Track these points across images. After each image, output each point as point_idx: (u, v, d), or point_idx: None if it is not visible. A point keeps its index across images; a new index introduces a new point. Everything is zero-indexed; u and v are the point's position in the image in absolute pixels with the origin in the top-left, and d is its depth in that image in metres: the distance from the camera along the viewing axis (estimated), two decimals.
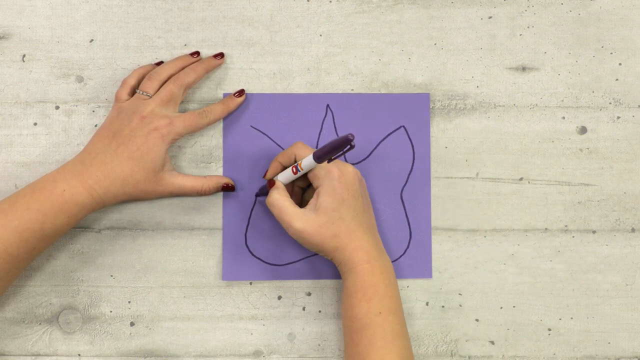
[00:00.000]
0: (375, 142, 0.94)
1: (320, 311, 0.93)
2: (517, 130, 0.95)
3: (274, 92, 0.94)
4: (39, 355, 0.92)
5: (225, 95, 0.94)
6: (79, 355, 0.93)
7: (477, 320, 0.94)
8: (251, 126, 0.94)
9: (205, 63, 0.93)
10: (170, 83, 0.90)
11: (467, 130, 0.94)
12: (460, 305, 0.94)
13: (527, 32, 0.95)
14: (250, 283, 0.93)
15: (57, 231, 0.85)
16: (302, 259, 0.93)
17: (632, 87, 0.95)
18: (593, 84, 0.95)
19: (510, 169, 0.94)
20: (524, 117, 0.95)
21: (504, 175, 0.94)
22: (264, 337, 0.93)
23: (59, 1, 0.95)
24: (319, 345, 0.93)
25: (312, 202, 0.86)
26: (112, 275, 0.93)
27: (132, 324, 0.93)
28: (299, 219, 0.85)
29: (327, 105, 0.94)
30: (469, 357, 0.93)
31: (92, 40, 0.94)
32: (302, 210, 0.85)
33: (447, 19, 0.95)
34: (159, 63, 0.94)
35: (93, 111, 0.94)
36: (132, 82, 0.91)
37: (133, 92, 0.91)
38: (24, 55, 0.94)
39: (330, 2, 0.95)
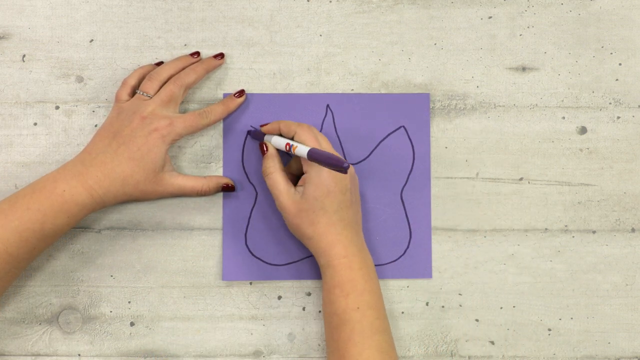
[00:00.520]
0: (375, 142, 0.94)
1: (320, 311, 0.93)
2: (517, 130, 0.95)
3: (274, 92, 0.94)
4: (39, 355, 0.92)
5: (225, 95, 0.94)
6: (79, 355, 0.93)
7: (477, 320, 0.94)
8: (251, 126, 0.94)
9: (205, 63, 0.93)
10: (171, 84, 0.90)
11: (467, 130, 0.94)
12: (460, 305, 0.94)
13: (527, 32, 0.95)
14: (250, 283, 0.93)
15: (57, 231, 0.85)
16: (302, 259, 0.93)
17: (632, 87, 0.95)
18: (593, 84, 0.95)
19: (510, 169, 0.94)
20: (524, 117, 0.95)
21: (504, 175, 0.94)
22: (264, 337, 0.93)
23: (59, 1, 0.95)
24: (319, 345, 0.93)
25: (302, 183, 0.87)
26: (112, 275, 0.93)
27: (132, 324, 0.93)
28: (285, 196, 0.86)
29: (327, 105, 0.94)
30: (469, 357, 0.93)
31: (92, 40, 0.94)
32: (291, 188, 0.87)
33: (447, 19, 0.95)
34: (159, 63, 0.94)
35: (93, 111, 0.94)
36: (133, 82, 0.91)
37: (133, 93, 0.91)
38: (24, 55, 0.94)
39: (330, 2, 0.95)
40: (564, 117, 0.95)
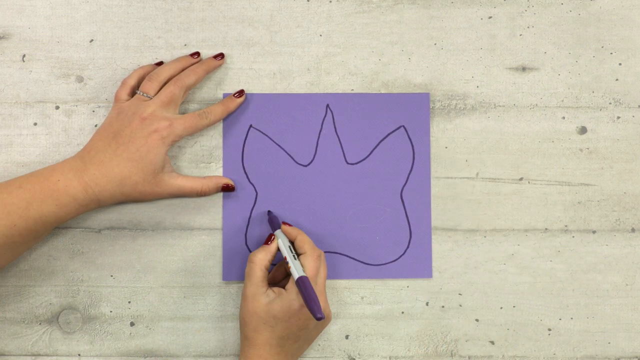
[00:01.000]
0: (375, 142, 0.94)
1: None
2: (517, 130, 0.95)
3: (274, 92, 0.94)
4: (39, 355, 0.92)
5: (225, 95, 0.94)
6: (79, 355, 0.93)
7: (477, 320, 0.94)
8: (251, 126, 0.94)
9: (205, 64, 0.93)
10: (171, 85, 0.90)
11: (467, 130, 0.94)
12: (460, 305, 0.94)
13: (527, 32, 0.95)
14: None
15: (42, 217, 0.84)
16: None
17: (632, 87, 0.95)
18: (593, 84, 0.95)
19: (510, 169, 0.94)
20: (524, 117, 0.95)
21: (504, 175, 0.94)
22: None
23: (59, 1, 0.95)
24: (319, 345, 0.93)
25: (276, 291, 0.86)
26: (112, 275, 0.93)
27: (132, 324, 0.93)
28: (252, 290, 0.85)
29: (327, 105, 0.94)
30: (469, 357, 0.93)
31: (92, 40, 0.94)
32: (264, 287, 0.85)
33: (447, 19, 0.95)
34: (159, 63, 0.94)
35: (93, 111, 0.94)
36: (132, 82, 0.91)
37: (133, 93, 0.91)
38: (24, 55, 0.94)
39: (330, 2, 0.95)
40: (564, 117, 0.95)
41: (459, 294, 0.94)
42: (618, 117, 0.95)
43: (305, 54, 0.95)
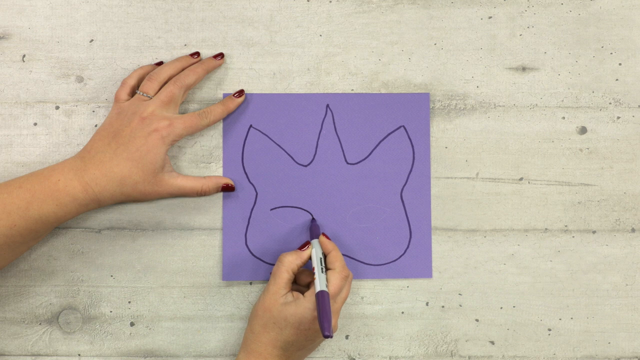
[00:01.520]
0: (375, 142, 0.94)
1: None
2: (517, 130, 0.95)
3: (274, 92, 0.94)
4: (39, 355, 0.92)
5: (225, 95, 0.94)
6: (79, 355, 0.93)
7: (477, 320, 0.94)
8: (251, 126, 0.94)
9: (205, 64, 0.93)
10: (171, 84, 0.90)
11: (467, 130, 0.94)
12: (460, 305, 0.94)
13: (527, 32, 0.95)
14: (250, 283, 0.93)
15: (42, 217, 0.84)
16: None
17: (632, 87, 0.95)
18: (593, 84, 0.95)
19: (510, 169, 0.94)
20: (524, 117, 0.95)
21: (504, 175, 0.94)
22: None
23: (59, 1, 0.95)
24: (319, 345, 0.93)
25: (296, 296, 0.86)
26: (112, 275, 0.93)
27: (132, 324, 0.93)
28: (274, 289, 0.85)
29: (327, 105, 0.94)
30: (469, 357, 0.93)
31: (92, 40, 0.94)
32: (286, 289, 0.85)
33: (447, 19, 0.95)
34: (159, 63, 0.94)
35: (93, 111, 0.94)
36: (132, 82, 0.91)
37: (133, 93, 0.91)
38: (24, 55, 0.94)
39: (330, 2, 0.95)
40: (564, 117, 0.95)
41: (459, 294, 0.94)
42: (618, 117, 0.95)
43: (305, 54, 0.95)
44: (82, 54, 0.94)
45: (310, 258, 0.88)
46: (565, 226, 0.94)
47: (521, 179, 0.94)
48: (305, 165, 0.94)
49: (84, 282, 0.93)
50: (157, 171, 0.87)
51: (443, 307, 0.94)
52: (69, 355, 0.92)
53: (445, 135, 0.94)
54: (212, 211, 0.93)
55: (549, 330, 0.94)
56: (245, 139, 0.94)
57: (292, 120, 0.94)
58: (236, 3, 0.95)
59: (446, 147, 0.94)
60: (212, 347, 0.93)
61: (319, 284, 0.84)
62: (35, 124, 0.94)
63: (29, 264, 0.93)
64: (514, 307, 0.94)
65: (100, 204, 0.87)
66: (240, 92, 0.93)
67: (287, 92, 0.94)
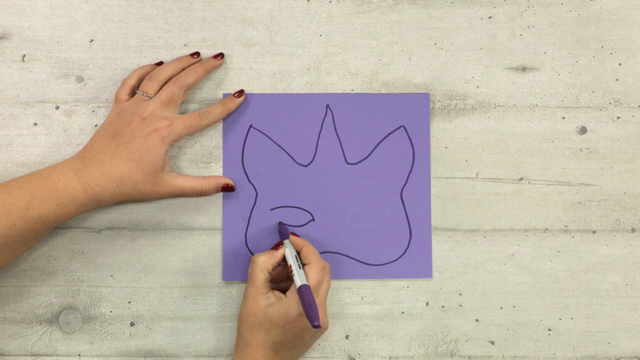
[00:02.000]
0: (375, 142, 0.94)
1: None
2: (517, 130, 0.95)
3: (274, 92, 0.94)
4: (39, 355, 0.92)
5: (225, 95, 0.94)
6: (79, 355, 0.93)
7: (477, 320, 0.94)
8: (251, 126, 0.94)
9: (205, 64, 0.93)
10: (171, 84, 0.90)
11: (467, 130, 0.94)
12: (460, 305, 0.94)
13: (527, 32, 0.95)
14: None
15: (42, 217, 0.84)
16: None
17: (632, 87, 0.95)
18: (593, 84, 0.95)
19: (510, 169, 0.94)
20: (524, 117, 0.95)
21: (504, 175, 0.94)
22: None
23: (59, 1, 0.95)
24: (319, 345, 0.93)
25: (277, 295, 0.86)
26: (112, 275, 0.93)
27: (132, 324, 0.93)
28: (252, 291, 0.86)
29: (327, 105, 0.94)
30: (469, 357, 0.93)
31: (92, 40, 0.94)
32: (265, 289, 0.86)
33: (447, 19, 0.95)
34: (159, 63, 0.94)
35: (93, 111, 0.94)
36: (132, 82, 0.91)
37: (133, 93, 0.91)
38: (24, 55, 0.94)
39: (330, 2, 0.95)
40: (564, 117, 0.95)
41: (459, 294, 0.94)
42: (618, 117, 0.95)
43: (305, 54, 0.95)
44: (82, 54, 0.94)
45: (284, 257, 0.88)
46: (565, 226, 0.94)
47: (521, 179, 0.94)
48: (305, 165, 0.94)
49: (84, 282, 0.93)
50: (157, 171, 0.87)
51: (443, 307, 0.94)
52: (69, 355, 0.92)
53: (445, 135, 0.94)
54: (212, 211, 0.93)
55: (549, 330, 0.94)
56: (245, 139, 0.94)
57: (292, 120, 0.94)
58: (236, 3, 0.95)
59: (446, 147, 0.94)
60: (212, 347, 0.93)
61: (299, 279, 0.84)
62: (35, 124, 0.94)
63: (29, 264, 0.93)
64: (514, 307, 0.94)
65: (100, 204, 0.87)
66: (240, 92, 0.93)
67: (287, 92, 0.94)
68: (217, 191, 0.92)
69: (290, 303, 0.84)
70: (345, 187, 0.94)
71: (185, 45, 0.95)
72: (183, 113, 0.92)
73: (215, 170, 0.94)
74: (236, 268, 0.93)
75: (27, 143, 0.94)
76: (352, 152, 0.94)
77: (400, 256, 0.94)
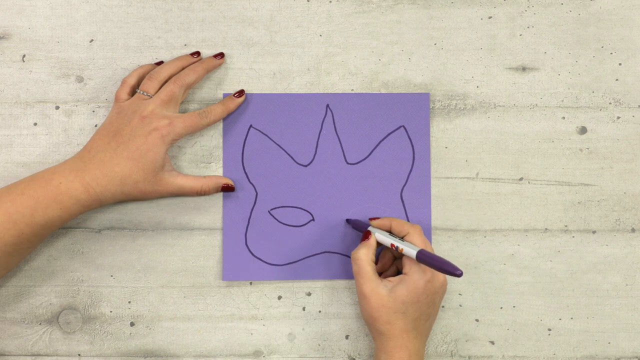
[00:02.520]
0: (375, 142, 0.94)
1: (320, 311, 0.93)
2: (517, 130, 0.95)
3: (274, 92, 0.94)
4: (39, 355, 0.92)
5: (225, 95, 0.94)
6: (79, 355, 0.93)
7: (477, 320, 0.94)
8: (251, 126, 0.94)
9: (205, 63, 0.93)
10: (171, 83, 0.90)
11: (467, 130, 0.94)
12: (460, 305, 0.94)
13: (527, 32, 0.95)
14: (250, 283, 0.93)
15: (48, 222, 0.84)
16: (302, 259, 0.93)
17: (632, 87, 0.95)
18: (593, 84, 0.95)
19: (510, 169, 0.94)
20: (524, 117, 0.95)
21: (504, 175, 0.94)
22: (264, 337, 0.93)
23: (59, 1, 0.95)
24: (319, 345, 0.93)
25: (393, 279, 0.86)
26: (112, 275, 0.93)
27: (132, 324, 0.93)
28: (369, 286, 0.85)
29: (327, 105, 0.94)
30: (469, 357, 0.93)
31: (92, 40, 0.94)
32: (378, 279, 0.86)
33: (447, 19, 0.95)
34: (159, 63, 0.94)
35: (93, 111, 0.94)
36: (132, 81, 0.91)
37: (133, 92, 0.91)
38: (24, 55, 0.94)
39: (330, 2, 0.95)
40: (564, 117, 0.95)
41: (459, 294, 0.94)
42: (618, 117, 0.95)
43: (305, 54, 0.95)
44: (82, 54, 0.94)
45: (378, 244, 0.88)
46: (565, 226, 0.94)
47: (521, 179, 0.94)
48: (305, 165, 0.94)
49: (84, 282, 0.93)
50: (157, 170, 0.87)
51: (443, 307, 0.94)
52: (69, 355, 0.92)
53: (445, 135, 0.94)
54: (212, 211, 0.93)
55: (549, 330, 0.94)
56: (245, 139, 0.94)
57: (292, 120, 0.94)
58: (236, 3, 0.95)
59: (446, 147, 0.94)
60: (212, 347, 0.93)
61: (411, 249, 0.84)
62: (35, 124, 0.94)
63: (29, 264, 0.93)
64: (514, 307, 0.94)
65: (101, 204, 0.87)
66: (241, 92, 0.93)
67: (287, 92, 0.94)
68: (217, 191, 0.92)
69: (414, 276, 0.84)
70: (345, 187, 0.94)
71: (185, 45, 0.95)
72: (183, 113, 0.92)
73: (215, 170, 0.94)
74: (236, 268, 0.93)
75: (27, 143, 0.94)
76: (352, 152, 0.94)
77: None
